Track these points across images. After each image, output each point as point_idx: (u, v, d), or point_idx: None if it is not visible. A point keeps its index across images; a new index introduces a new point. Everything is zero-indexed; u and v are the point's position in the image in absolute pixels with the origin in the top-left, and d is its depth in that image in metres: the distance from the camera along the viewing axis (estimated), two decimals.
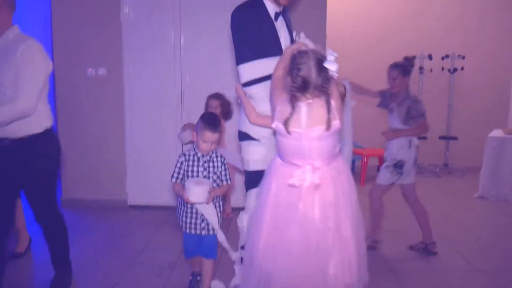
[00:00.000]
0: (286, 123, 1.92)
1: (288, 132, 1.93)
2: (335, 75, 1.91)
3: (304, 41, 2.16)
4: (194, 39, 4.38)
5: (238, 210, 2.71)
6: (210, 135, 2.44)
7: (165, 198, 4.50)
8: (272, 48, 2.37)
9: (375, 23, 6.45)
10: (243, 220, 2.50)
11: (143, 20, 4.39)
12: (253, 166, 2.45)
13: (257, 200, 2.19)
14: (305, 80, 1.86)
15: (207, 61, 4.39)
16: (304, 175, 1.92)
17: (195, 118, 4.37)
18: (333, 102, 1.92)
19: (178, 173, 2.52)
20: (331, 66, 1.88)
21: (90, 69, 4.48)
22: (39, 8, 6.00)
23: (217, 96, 3.93)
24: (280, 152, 2.07)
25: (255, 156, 2.43)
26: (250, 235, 2.15)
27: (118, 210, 4.51)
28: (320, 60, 1.88)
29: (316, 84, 1.87)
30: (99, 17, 4.42)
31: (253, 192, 2.43)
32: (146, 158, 4.49)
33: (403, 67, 3.51)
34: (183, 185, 2.47)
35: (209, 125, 2.43)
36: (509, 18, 6.40)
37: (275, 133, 2.08)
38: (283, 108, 1.94)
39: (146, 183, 4.54)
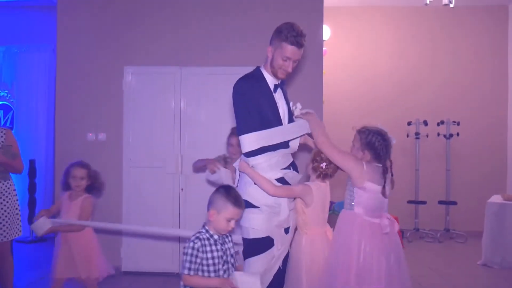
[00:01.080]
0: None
1: (383, 193, 2.49)
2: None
3: (300, 111, 2.50)
4: (194, 104, 4.48)
5: None
6: (237, 212, 2.12)
7: (161, 264, 4.38)
8: (272, 118, 2.43)
9: (371, 92, 6.64)
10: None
11: (144, 87, 4.52)
12: (253, 234, 2.39)
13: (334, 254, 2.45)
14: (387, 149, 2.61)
15: (206, 125, 4.46)
16: (387, 224, 2.46)
17: (192, 183, 4.40)
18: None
19: (195, 263, 2.04)
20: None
21: (90, 133, 4.54)
22: (44, 71, 6.22)
23: (83, 165, 3.26)
24: (360, 208, 2.47)
25: (255, 223, 2.38)
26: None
27: (112, 277, 4.36)
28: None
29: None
30: (102, 84, 4.56)
31: (254, 260, 2.37)
32: (142, 223, 4.42)
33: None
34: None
35: (235, 200, 2.12)
36: (501, 83, 6.60)
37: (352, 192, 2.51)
38: (371, 171, 2.48)
39: (141, 249, 4.44)
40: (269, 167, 2.41)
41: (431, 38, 6.63)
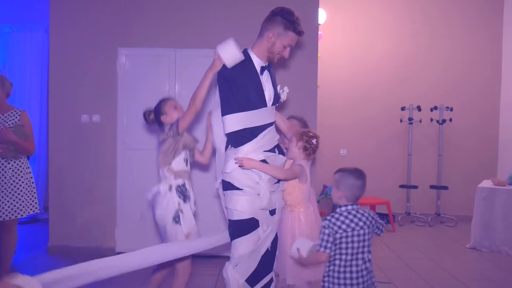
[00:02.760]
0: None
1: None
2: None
3: (285, 96, 2.68)
4: (189, 87, 4.46)
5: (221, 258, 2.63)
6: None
7: (155, 245, 4.41)
8: (257, 101, 2.46)
9: (365, 77, 6.65)
10: (227, 270, 2.44)
11: (138, 69, 4.50)
12: (237, 216, 2.43)
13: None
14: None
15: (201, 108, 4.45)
16: None
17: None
18: None
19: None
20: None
21: (84, 115, 4.53)
22: (37, 52, 6.15)
23: None
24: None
25: (239, 205, 2.42)
26: None
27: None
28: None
29: None
30: (96, 66, 4.52)
31: (239, 241, 2.42)
32: (136, 205, 4.45)
33: None
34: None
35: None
36: (494, 71, 6.63)
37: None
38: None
39: (135, 230, 4.47)
40: (253, 150, 2.45)
41: (426, 23, 6.62)
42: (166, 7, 4.52)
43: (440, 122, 6.33)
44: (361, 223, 2.18)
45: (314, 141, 2.71)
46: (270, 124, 2.53)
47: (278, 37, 2.44)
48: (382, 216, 5.98)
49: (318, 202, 6.11)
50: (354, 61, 6.67)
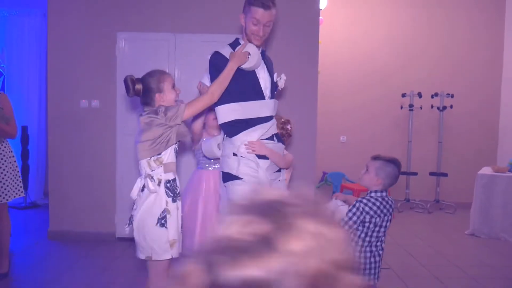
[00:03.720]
0: None
1: None
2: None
3: (282, 83, 2.60)
4: (188, 73, 4.44)
5: None
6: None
7: None
8: (251, 90, 2.43)
9: (366, 63, 6.60)
10: None
11: (138, 54, 4.46)
12: None
13: None
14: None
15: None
16: None
17: (186, 150, 4.40)
18: None
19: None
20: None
21: (83, 100, 4.50)
22: (35, 37, 6.09)
23: None
24: None
25: (240, 195, 2.40)
26: None
27: (106, 243, 4.43)
28: None
29: None
30: (95, 50, 4.48)
31: None
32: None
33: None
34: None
35: None
36: (496, 57, 6.59)
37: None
38: None
39: None
40: (248, 138, 2.42)
41: (427, 9, 6.55)
42: None
43: (441, 108, 6.30)
44: (388, 210, 2.36)
45: (288, 126, 2.73)
46: (269, 118, 2.49)
47: (246, 15, 2.41)
48: None
49: (317, 188, 6.13)
50: (355, 47, 6.62)
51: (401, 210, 6.20)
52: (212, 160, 3.09)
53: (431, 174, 6.43)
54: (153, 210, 2.27)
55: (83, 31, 4.48)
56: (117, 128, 4.49)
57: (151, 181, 2.27)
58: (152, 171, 2.29)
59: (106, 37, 4.45)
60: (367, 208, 2.29)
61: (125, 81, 2.46)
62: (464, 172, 6.43)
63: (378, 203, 2.33)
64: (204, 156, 3.01)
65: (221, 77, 2.33)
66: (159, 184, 2.29)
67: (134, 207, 2.35)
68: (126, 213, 4.50)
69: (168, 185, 2.30)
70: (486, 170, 5.22)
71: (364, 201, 2.32)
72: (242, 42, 2.48)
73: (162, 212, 2.27)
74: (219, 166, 2.83)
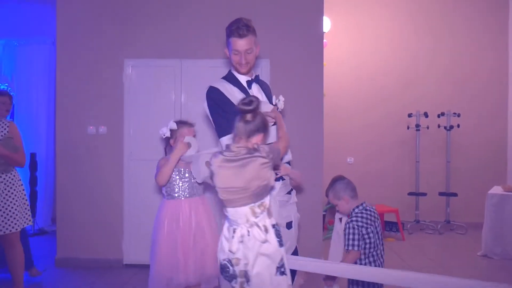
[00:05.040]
0: None
1: None
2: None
3: (282, 104, 2.63)
4: (194, 97, 4.47)
5: None
6: None
7: None
8: None
9: (371, 84, 6.63)
10: None
11: (145, 80, 4.52)
12: None
13: None
14: None
15: (208, 118, 4.45)
16: None
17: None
18: None
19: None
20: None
21: (91, 127, 4.54)
22: (43, 64, 6.21)
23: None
24: None
25: None
26: None
27: (114, 269, 4.40)
28: None
29: None
30: (102, 77, 4.54)
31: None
32: (143, 216, 4.43)
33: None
34: None
35: None
36: (501, 74, 6.58)
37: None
38: None
39: (142, 241, 4.45)
40: None
41: (430, 29, 6.60)
42: (172, 18, 4.54)
43: (448, 128, 6.28)
44: (374, 216, 2.59)
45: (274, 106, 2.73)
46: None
47: (228, 48, 2.49)
48: (391, 224, 5.92)
49: (325, 211, 6.07)
50: (360, 69, 6.66)
51: (411, 231, 6.11)
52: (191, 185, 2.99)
53: (441, 194, 6.36)
54: (269, 261, 2.00)
55: (90, 59, 4.56)
56: (124, 154, 4.51)
57: (260, 230, 1.99)
58: (256, 218, 2.00)
59: (113, 64, 4.52)
60: (359, 223, 2.51)
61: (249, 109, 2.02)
62: (474, 191, 6.36)
63: (364, 215, 2.56)
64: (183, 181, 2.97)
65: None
66: (266, 231, 2.01)
67: (244, 263, 1.98)
68: (133, 239, 4.48)
69: (275, 229, 2.04)
70: (497, 190, 5.15)
71: (353, 219, 2.53)
72: (234, 73, 2.55)
73: (280, 260, 2.02)
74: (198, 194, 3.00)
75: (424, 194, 6.32)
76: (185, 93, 4.49)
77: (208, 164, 2.11)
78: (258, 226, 1.98)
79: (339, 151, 6.52)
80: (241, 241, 1.97)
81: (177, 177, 2.95)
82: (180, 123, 3.04)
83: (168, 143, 3.05)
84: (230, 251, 1.97)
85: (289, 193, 2.52)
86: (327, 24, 6.17)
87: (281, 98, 2.69)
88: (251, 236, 1.96)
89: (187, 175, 2.97)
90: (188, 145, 2.89)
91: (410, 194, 6.41)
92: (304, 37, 4.49)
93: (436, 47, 6.60)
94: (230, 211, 2.00)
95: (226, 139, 2.40)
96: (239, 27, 2.40)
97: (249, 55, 2.46)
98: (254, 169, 1.95)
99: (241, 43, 2.41)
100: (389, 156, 6.60)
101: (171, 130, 3.00)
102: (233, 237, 1.98)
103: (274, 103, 2.63)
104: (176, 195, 2.95)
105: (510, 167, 6.53)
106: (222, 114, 2.43)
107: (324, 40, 5.14)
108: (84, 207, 4.53)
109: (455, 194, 6.24)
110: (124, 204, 4.51)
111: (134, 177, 4.50)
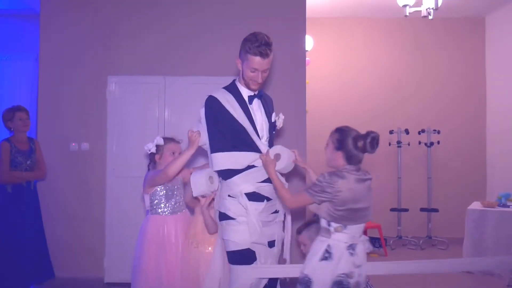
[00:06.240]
0: None
1: None
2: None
3: (280, 123, 2.66)
4: (178, 114, 4.49)
5: None
6: None
7: None
8: (246, 134, 2.41)
9: (353, 102, 6.76)
10: None
11: (128, 96, 4.52)
12: (233, 246, 2.38)
13: None
14: None
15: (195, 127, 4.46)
16: None
17: None
18: None
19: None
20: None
21: (73, 143, 4.51)
22: (26, 80, 6.15)
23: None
24: None
25: (233, 236, 2.38)
26: None
27: None
28: None
29: None
30: (85, 94, 4.54)
31: (238, 274, 2.33)
32: (125, 234, 4.38)
33: None
34: None
35: None
36: (480, 96, 6.76)
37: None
38: None
39: (124, 259, 4.39)
40: (243, 182, 2.40)
41: (409, 51, 6.77)
42: (155, 35, 4.57)
43: (428, 145, 6.39)
44: None
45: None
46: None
47: (243, 62, 2.41)
48: (373, 240, 5.95)
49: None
50: (342, 87, 6.77)
51: (394, 247, 6.15)
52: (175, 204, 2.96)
53: (422, 210, 6.43)
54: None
55: (74, 75, 4.55)
56: (107, 171, 4.48)
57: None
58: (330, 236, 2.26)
59: (96, 80, 4.52)
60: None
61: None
62: (454, 207, 6.45)
63: None
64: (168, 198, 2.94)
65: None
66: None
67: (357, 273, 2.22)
68: (115, 257, 4.42)
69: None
70: (476, 205, 5.23)
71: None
72: (238, 84, 2.49)
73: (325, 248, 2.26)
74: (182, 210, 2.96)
75: (406, 210, 6.38)
76: (168, 110, 4.51)
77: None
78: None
79: (322, 168, 6.55)
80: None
81: (163, 192, 2.92)
82: (167, 139, 3.02)
83: (153, 159, 3.02)
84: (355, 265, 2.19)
85: (275, 212, 2.52)
86: (309, 42, 6.27)
87: (281, 116, 2.69)
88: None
89: (175, 192, 2.96)
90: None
91: (392, 210, 6.47)
92: (287, 56, 4.55)
93: (416, 66, 6.77)
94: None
95: (219, 157, 2.38)
96: (262, 45, 2.32)
97: (265, 73, 2.41)
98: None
99: (262, 63, 2.34)
100: (372, 172, 6.58)
101: (157, 146, 2.96)
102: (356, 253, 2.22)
103: (273, 120, 2.62)
104: (160, 210, 2.93)
105: (489, 183, 6.66)
106: (218, 127, 2.40)
107: (307, 58, 5.23)
108: (66, 224, 4.47)
109: (436, 210, 6.32)
110: (106, 221, 4.46)
111: (117, 194, 4.47)
